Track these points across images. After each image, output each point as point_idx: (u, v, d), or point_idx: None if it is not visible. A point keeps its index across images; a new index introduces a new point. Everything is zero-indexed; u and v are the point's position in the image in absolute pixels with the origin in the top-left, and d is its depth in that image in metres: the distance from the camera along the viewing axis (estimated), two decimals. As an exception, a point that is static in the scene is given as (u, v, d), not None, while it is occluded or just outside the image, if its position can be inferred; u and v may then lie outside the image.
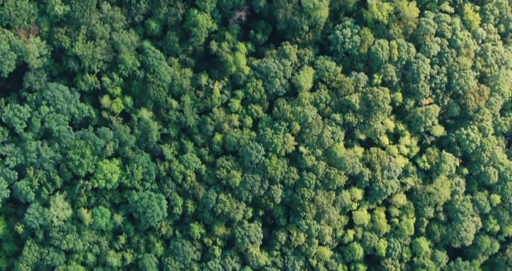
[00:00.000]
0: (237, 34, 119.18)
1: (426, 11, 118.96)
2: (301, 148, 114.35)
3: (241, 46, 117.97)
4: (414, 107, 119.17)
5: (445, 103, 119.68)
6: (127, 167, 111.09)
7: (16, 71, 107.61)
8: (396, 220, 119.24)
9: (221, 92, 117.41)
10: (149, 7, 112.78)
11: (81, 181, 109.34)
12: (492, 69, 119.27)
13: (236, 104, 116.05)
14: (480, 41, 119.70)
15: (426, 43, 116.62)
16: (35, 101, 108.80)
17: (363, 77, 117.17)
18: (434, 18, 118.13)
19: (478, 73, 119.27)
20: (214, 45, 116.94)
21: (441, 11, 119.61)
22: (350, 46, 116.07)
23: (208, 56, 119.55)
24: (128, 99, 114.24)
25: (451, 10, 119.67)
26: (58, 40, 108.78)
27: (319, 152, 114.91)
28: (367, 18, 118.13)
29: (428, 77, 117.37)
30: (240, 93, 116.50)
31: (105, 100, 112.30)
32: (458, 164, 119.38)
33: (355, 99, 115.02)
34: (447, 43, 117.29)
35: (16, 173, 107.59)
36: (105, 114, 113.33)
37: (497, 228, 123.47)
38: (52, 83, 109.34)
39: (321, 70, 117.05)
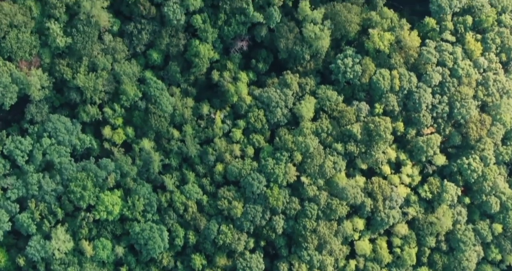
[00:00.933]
0: (238, 63, 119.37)
1: (427, 40, 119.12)
2: (303, 178, 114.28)
3: (243, 75, 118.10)
4: (416, 136, 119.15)
5: (447, 132, 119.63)
6: (129, 198, 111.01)
7: (17, 101, 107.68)
8: (398, 250, 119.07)
9: (223, 122, 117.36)
10: (151, 38, 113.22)
11: (83, 213, 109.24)
12: (494, 99, 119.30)
13: (237, 134, 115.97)
14: (481, 70, 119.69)
15: (428, 72, 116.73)
16: (37, 133, 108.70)
17: (364, 107, 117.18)
18: (435, 47, 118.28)
19: (480, 102, 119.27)
20: (215, 75, 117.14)
21: (442, 40, 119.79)
22: (351, 76, 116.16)
23: (210, 85, 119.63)
24: (130, 130, 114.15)
25: (453, 39, 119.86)
26: (60, 72, 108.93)
27: (321, 182, 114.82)
28: (368, 48, 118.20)
29: (430, 106, 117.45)
30: (241, 123, 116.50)
31: (106, 131, 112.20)
32: (459, 193, 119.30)
33: (356, 129, 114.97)
34: (449, 72, 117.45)
35: (18, 206, 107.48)
36: (106, 145, 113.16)
37: (498, 257, 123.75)
38: (53, 115, 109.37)
39: (323, 100, 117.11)
